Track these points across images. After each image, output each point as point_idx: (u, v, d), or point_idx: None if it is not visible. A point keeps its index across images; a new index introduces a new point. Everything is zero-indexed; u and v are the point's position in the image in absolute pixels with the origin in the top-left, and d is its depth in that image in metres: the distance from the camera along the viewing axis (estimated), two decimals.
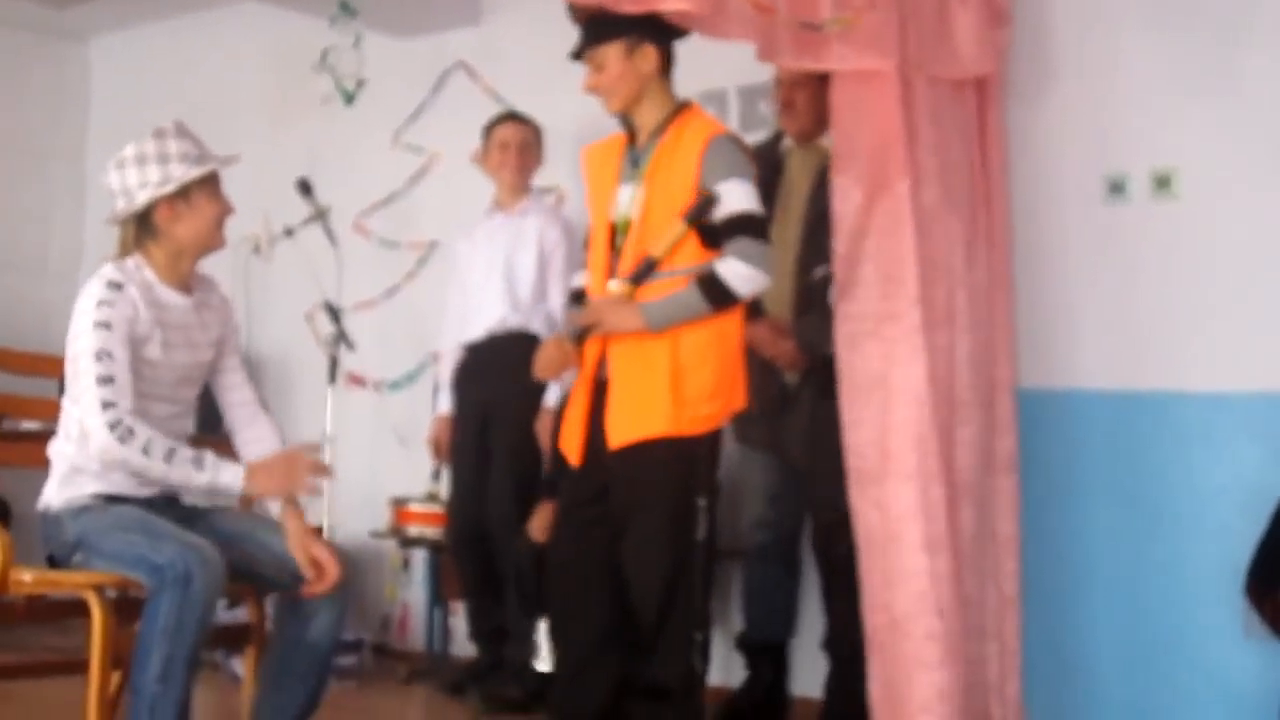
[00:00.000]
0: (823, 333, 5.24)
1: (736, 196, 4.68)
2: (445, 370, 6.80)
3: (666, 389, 4.68)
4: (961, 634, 4.96)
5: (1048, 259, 5.76)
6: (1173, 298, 5.57)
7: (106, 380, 4.28)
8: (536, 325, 6.45)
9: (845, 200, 5.01)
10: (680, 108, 4.88)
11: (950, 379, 5.13)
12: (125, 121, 9.20)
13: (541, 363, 4.96)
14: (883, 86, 4.98)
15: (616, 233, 4.86)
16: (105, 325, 4.32)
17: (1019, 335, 5.59)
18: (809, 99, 5.74)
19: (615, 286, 4.75)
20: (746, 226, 4.67)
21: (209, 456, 4.32)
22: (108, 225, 4.61)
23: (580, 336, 4.82)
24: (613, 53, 4.78)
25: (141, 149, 4.46)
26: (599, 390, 4.86)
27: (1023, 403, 5.52)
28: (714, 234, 4.69)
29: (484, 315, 6.54)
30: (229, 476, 4.32)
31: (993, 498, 5.35)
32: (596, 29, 4.79)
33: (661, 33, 4.80)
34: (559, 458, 5.18)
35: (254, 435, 4.74)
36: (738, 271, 4.63)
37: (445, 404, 6.78)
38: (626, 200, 4.84)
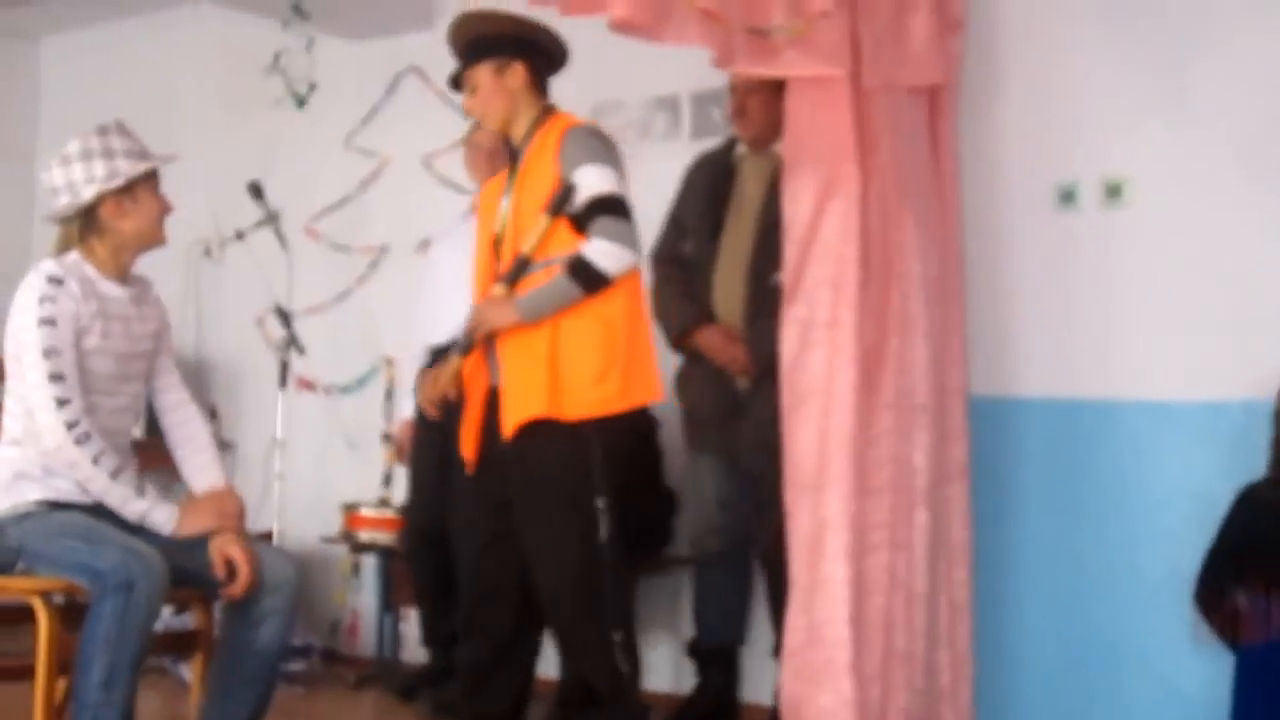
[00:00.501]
0: (775, 339, 5.25)
1: (594, 179, 4.74)
2: (409, 372, 6.75)
3: (544, 371, 4.73)
4: (905, 644, 5.01)
5: (998, 266, 5.78)
6: (1120, 306, 5.59)
7: (57, 378, 4.29)
8: None
9: (795, 205, 5.02)
10: (544, 114, 4.96)
11: (910, 385, 5.14)
12: (75, 121, 9.03)
13: (423, 397, 5.06)
14: (835, 93, 4.98)
15: (498, 242, 4.90)
16: (50, 321, 4.33)
17: (969, 342, 5.60)
18: (762, 105, 5.76)
19: (496, 289, 4.79)
20: (607, 206, 4.73)
21: (150, 490, 4.37)
22: (48, 221, 4.61)
23: (466, 346, 4.86)
24: (483, 73, 4.91)
25: (86, 144, 4.48)
26: (493, 399, 4.92)
27: (972, 410, 5.54)
28: (576, 219, 4.75)
29: (451, 319, 6.45)
30: (161, 516, 4.37)
31: (944, 505, 5.35)
32: (468, 52, 4.93)
33: (529, 50, 4.93)
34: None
35: (187, 437, 4.76)
36: (603, 250, 4.69)
37: (408, 407, 6.74)
38: (504, 210, 4.93)
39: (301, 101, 7.72)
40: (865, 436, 4.96)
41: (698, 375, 5.91)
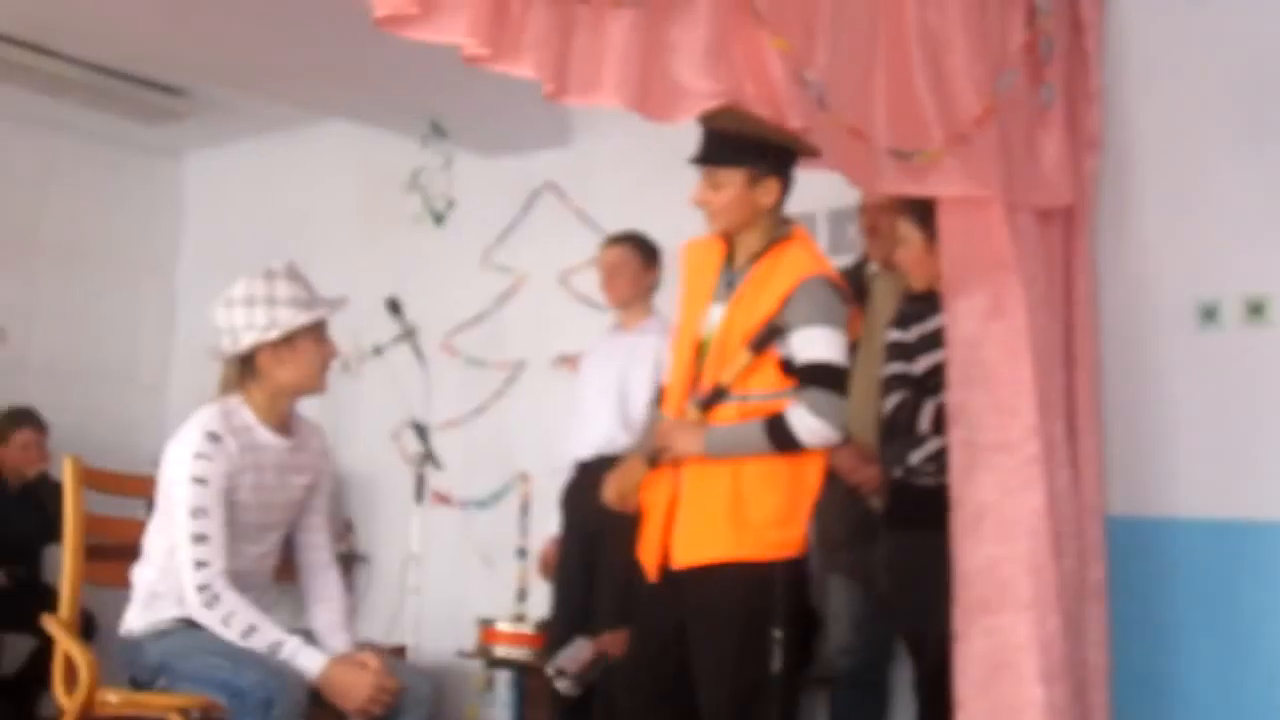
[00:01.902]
0: (900, 458, 5.26)
1: (819, 342, 4.53)
2: (553, 487, 6.74)
3: (725, 514, 4.58)
4: None
5: (1140, 386, 5.69)
6: (1268, 424, 5.49)
7: (201, 539, 4.34)
8: None
9: (957, 327, 4.97)
10: (780, 236, 4.72)
11: (1053, 510, 5.08)
12: (217, 237, 9.37)
13: (612, 493, 4.89)
14: (989, 213, 4.96)
15: (701, 351, 4.81)
16: (202, 481, 4.36)
17: (1111, 463, 5.52)
18: (893, 225, 5.73)
19: (690, 410, 4.72)
20: (824, 378, 4.53)
21: (289, 646, 4.34)
22: (212, 359, 4.63)
23: (653, 459, 4.78)
24: (735, 177, 4.62)
25: (251, 290, 4.48)
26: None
27: (1114, 531, 5.45)
28: (792, 372, 4.58)
29: (594, 433, 6.44)
30: (305, 663, 4.33)
31: (1081, 626, 5.27)
32: (724, 148, 4.61)
33: (784, 164, 4.67)
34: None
35: (325, 596, 4.73)
36: (807, 424, 4.50)
37: (552, 523, 6.73)
38: (715, 320, 4.73)
39: (439, 218, 7.78)
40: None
41: (830, 495, 5.83)
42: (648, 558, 4.84)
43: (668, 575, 4.73)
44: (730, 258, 4.76)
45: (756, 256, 4.69)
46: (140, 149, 9.63)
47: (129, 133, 9.13)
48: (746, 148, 4.56)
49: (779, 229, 4.72)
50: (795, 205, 6.74)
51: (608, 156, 7.59)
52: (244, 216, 9.30)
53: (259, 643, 4.30)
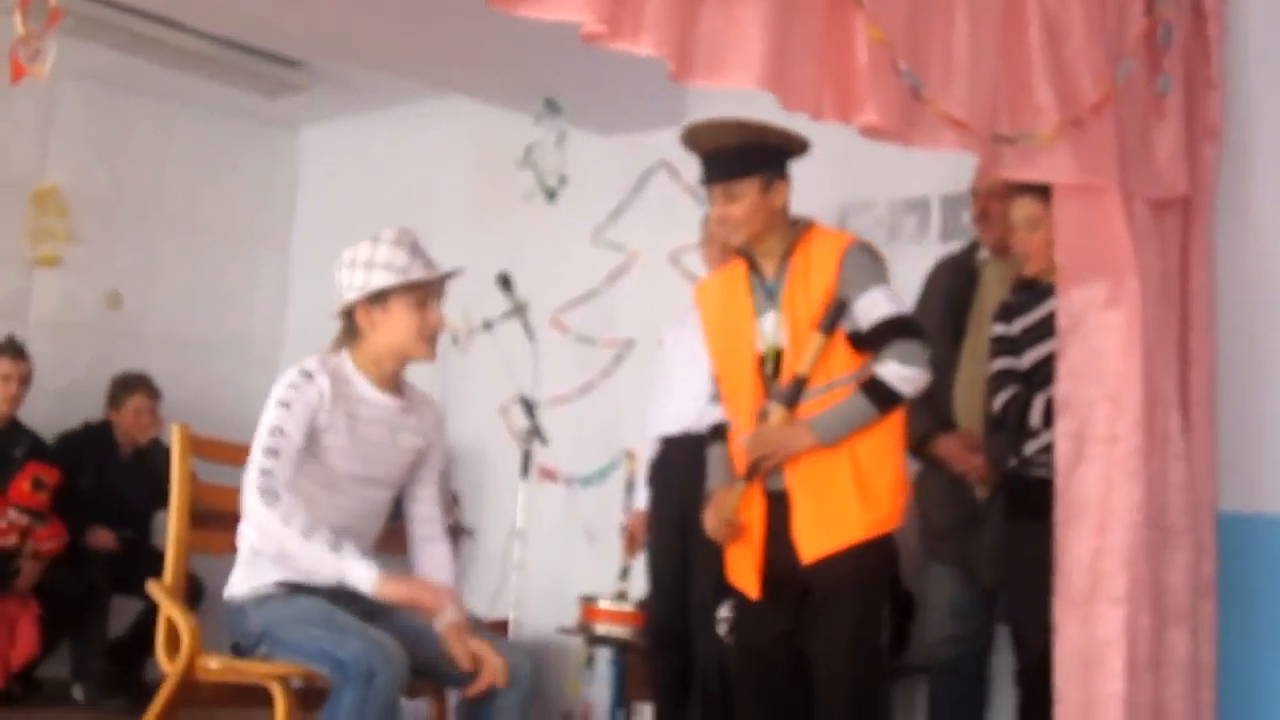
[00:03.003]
0: (1014, 449, 5.23)
1: (880, 302, 4.65)
2: (643, 463, 6.75)
3: (854, 495, 4.64)
4: None
5: (1255, 380, 5.60)
6: None
7: (272, 452, 4.43)
8: None
9: (1070, 317, 4.93)
10: (800, 230, 4.83)
11: (1164, 504, 5.03)
12: (331, 210, 9.44)
13: (713, 525, 4.89)
14: (1106, 202, 4.90)
15: (765, 362, 4.81)
16: (285, 405, 4.48)
17: (1223, 458, 5.45)
18: (1004, 210, 5.68)
19: (773, 410, 4.71)
20: (898, 329, 4.65)
21: (348, 547, 4.37)
22: (331, 318, 4.73)
23: (752, 472, 4.77)
24: (750, 187, 4.74)
25: (357, 252, 4.60)
26: (774, 509, 4.80)
27: (1225, 526, 5.38)
28: (864, 340, 4.67)
29: (681, 408, 6.42)
30: (360, 572, 4.36)
31: (1196, 624, 5.21)
32: (735, 162, 4.74)
33: (785, 163, 4.82)
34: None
35: (432, 565, 4.78)
36: (899, 373, 4.60)
37: (641, 499, 6.73)
38: (771, 329, 4.79)
39: (552, 195, 7.78)
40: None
41: (935, 483, 5.82)
42: (745, 578, 4.84)
43: (777, 579, 4.75)
44: (755, 270, 4.87)
45: (786, 256, 4.79)
46: (259, 121, 9.73)
47: (248, 105, 9.23)
48: (753, 156, 4.72)
49: (794, 227, 4.84)
50: (907, 190, 6.78)
51: None
52: (358, 190, 9.35)
53: (319, 541, 4.33)
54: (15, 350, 7.85)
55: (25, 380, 7.88)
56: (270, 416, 4.47)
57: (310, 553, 4.35)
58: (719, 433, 5.00)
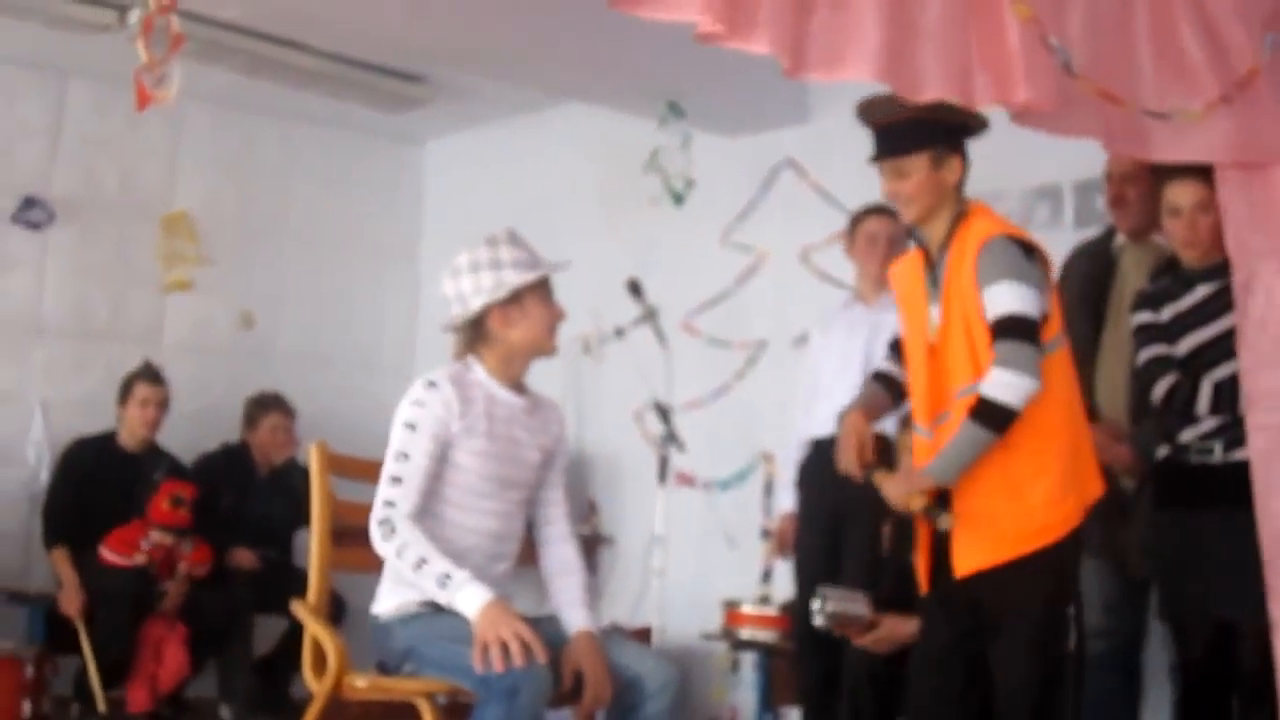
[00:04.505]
0: (1169, 436, 5.14)
1: (1003, 298, 4.43)
2: (788, 466, 6.68)
3: (1005, 508, 4.47)
4: None
5: None
6: None
7: (395, 480, 4.44)
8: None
9: (1250, 305, 4.80)
10: (961, 214, 4.66)
11: None
12: (458, 222, 9.46)
13: (846, 461, 4.74)
14: (1272, 178, 4.77)
15: (935, 354, 4.67)
16: (411, 426, 4.48)
17: None
18: (1140, 195, 5.58)
19: (915, 439, 4.67)
20: (1008, 328, 4.41)
21: (458, 578, 4.33)
22: (443, 331, 4.71)
23: (869, 473, 4.67)
24: (920, 162, 4.61)
25: (475, 256, 4.57)
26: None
27: None
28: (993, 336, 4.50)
29: (833, 409, 6.29)
30: (463, 603, 4.31)
31: None
32: (905, 137, 4.62)
33: (961, 140, 4.67)
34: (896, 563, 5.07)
35: (563, 570, 4.73)
36: (1004, 383, 4.37)
37: (788, 500, 6.66)
38: (934, 319, 4.66)
39: (679, 198, 7.74)
40: None
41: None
42: (919, 566, 4.76)
43: (946, 583, 4.65)
44: (928, 256, 4.72)
45: (946, 243, 4.64)
46: (383, 136, 9.77)
47: (371, 120, 9.27)
48: (924, 130, 4.57)
49: (960, 209, 4.68)
50: (1038, 177, 6.68)
51: (848, 132, 7.37)
52: (485, 201, 9.36)
53: (429, 575, 4.32)
54: (153, 375, 7.93)
55: (164, 405, 7.95)
56: (396, 440, 4.48)
57: (423, 585, 4.37)
58: (906, 423, 4.93)
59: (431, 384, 4.52)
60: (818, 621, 5.26)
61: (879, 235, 6.38)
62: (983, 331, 4.47)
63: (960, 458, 4.44)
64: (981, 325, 4.47)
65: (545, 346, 4.64)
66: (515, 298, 4.54)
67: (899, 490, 4.53)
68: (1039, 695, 4.49)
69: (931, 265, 4.70)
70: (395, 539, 4.36)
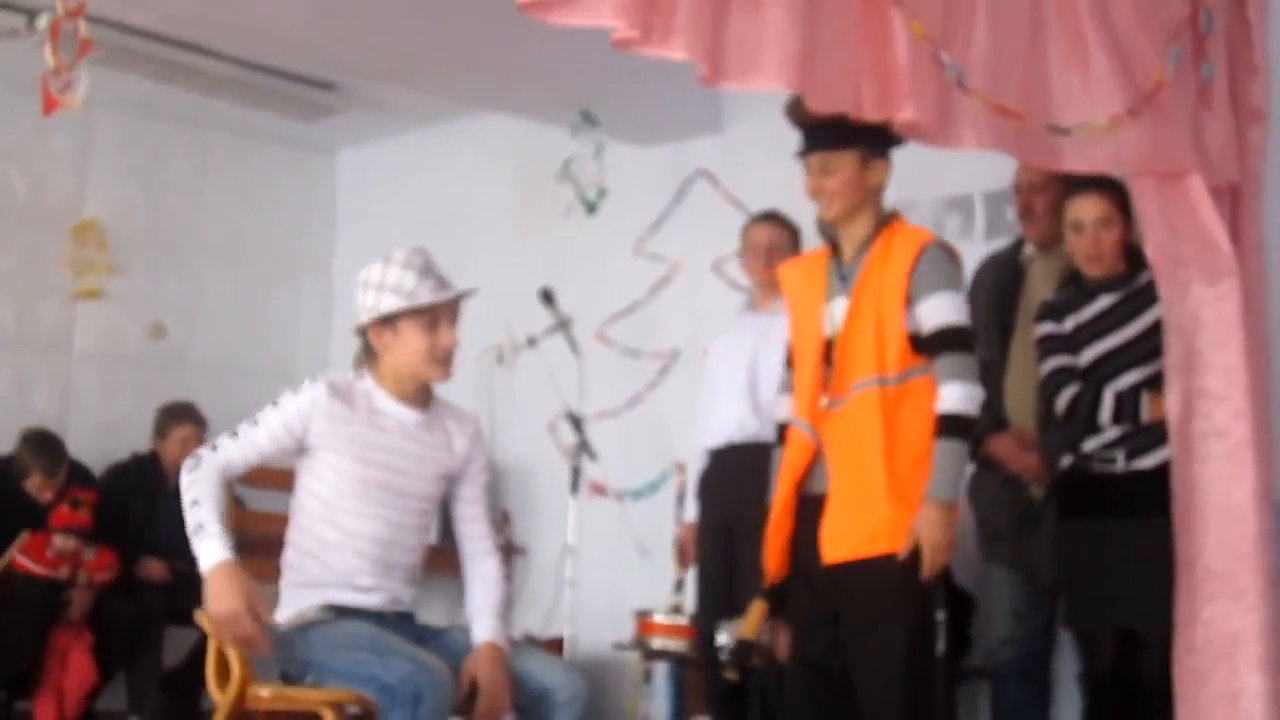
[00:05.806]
0: (1072, 446, 5.18)
1: (942, 309, 4.51)
2: (692, 475, 6.70)
3: (887, 503, 4.49)
4: None
5: None
6: None
7: (233, 434, 4.52)
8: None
9: (1169, 313, 4.92)
10: (887, 219, 4.71)
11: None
12: (371, 231, 9.43)
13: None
14: (1188, 188, 4.88)
15: (830, 348, 4.71)
16: (275, 404, 4.57)
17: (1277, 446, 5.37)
18: (1048, 205, 5.64)
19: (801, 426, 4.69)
20: (955, 341, 4.50)
21: (209, 529, 4.36)
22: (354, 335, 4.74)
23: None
24: (848, 160, 4.64)
25: (369, 273, 4.61)
26: (807, 504, 4.70)
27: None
28: (922, 344, 4.54)
29: (724, 419, 6.38)
30: (203, 556, 4.37)
31: None
32: (834, 134, 4.62)
33: (889, 145, 4.69)
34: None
35: (476, 583, 4.73)
36: (960, 395, 4.46)
37: (691, 511, 6.67)
38: (839, 314, 4.68)
39: (592, 208, 7.74)
40: None
41: (990, 484, 5.76)
42: (772, 550, 4.79)
43: (819, 571, 4.65)
44: (836, 253, 4.76)
45: (867, 243, 4.68)
46: (295, 145, 9.73)
47: (284, 130, 9.22)
48: (853, 130, 4.55)
49: (883, 215, 4.72)
50: (949, 188, 6.71)
51: (761, 142, 7.48)
52: (398, 210, 9.34)
53: (192, 518, 4.37)
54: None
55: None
56: (263, 410, 4.58)
57: (187, 521, 4.40)
58: (781, 435, 4.88)
59: (314, 379, 4.59)
60: (725, 658, 5.27)
61: (762, 242, 6.42)
62: (897, 332, 4.52)
63: (954, 470, 4.49)
64: (896, 325, 4.53)
65: (421, 373, 4.62)
66: (389, 321, 4.56)
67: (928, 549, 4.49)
68: (908, 703, 4.49)
69: (840, 263, 4.73)
70: (194, 473, 4.42)
